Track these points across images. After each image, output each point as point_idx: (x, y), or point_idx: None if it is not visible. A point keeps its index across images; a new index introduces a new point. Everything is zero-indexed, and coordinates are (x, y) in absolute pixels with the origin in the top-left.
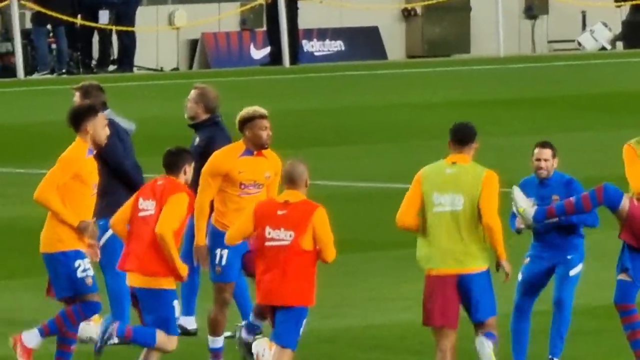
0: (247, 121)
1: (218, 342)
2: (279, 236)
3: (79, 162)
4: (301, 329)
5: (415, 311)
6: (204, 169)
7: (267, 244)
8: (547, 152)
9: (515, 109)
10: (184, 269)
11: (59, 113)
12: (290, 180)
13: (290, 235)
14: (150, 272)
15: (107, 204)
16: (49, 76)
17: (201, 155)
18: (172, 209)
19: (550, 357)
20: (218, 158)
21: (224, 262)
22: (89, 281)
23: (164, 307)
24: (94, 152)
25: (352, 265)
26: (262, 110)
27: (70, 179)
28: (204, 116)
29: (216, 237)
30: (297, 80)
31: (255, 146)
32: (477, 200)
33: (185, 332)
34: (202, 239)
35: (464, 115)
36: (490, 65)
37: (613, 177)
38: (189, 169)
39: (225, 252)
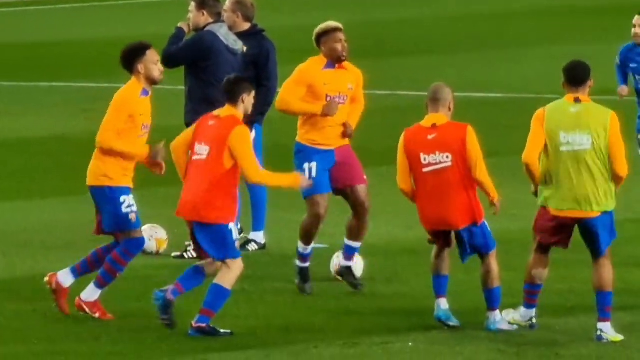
0: (321, 36)
1: (307, 249)
2: (436, 160)
3: (132, 103)
4: (489, 233)
5: None
6: (288, 80)
7: (425, 169)
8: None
9: None
10: (295, 178)
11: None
12: (434, 100)
13: (448, 157)
14: (207, 218)
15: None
16: None
17: (254, 65)
18: (244, 148)
19: None
20: (303, 69)
21: (313, 174)
22: (133, 217)
23: (221, 240)
24: (149, 93)
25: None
26: (334, 24)
27: (124, 121)
28: (244, 25)
29: (303, 153)
30: None
31: (333, 59)
32: (604, 141)
33: (260, 247)
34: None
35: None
36: None
37: None
38: (248, 98)
39: (314, 164)
